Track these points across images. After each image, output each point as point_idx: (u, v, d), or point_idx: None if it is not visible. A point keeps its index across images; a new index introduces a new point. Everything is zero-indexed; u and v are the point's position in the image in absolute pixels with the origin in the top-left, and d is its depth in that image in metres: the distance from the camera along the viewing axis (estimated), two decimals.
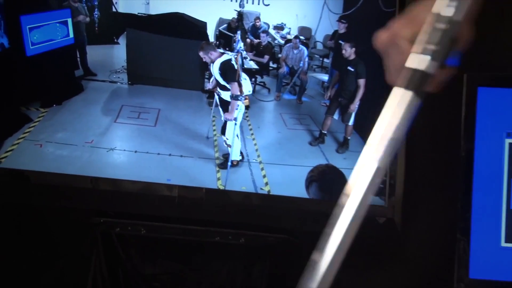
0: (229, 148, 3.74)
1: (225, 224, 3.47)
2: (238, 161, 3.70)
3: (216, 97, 3.80)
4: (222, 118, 3.76)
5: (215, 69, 3.73)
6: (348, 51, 3.62)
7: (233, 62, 3.73)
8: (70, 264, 3.53)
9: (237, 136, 3.74)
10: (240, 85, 3.73)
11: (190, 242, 3.46)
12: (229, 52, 3.75)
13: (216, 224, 3.47)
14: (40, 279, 3.54)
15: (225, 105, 3.77)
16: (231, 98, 3.72)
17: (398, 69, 0.96)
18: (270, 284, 3.51)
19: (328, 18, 3.77)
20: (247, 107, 3.85)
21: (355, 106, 3.61)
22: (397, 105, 0.90)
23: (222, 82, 3.72)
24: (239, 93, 3.72)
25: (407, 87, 0.89)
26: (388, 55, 1.03)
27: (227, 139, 3.75)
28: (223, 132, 3.76)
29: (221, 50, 3.74)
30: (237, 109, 3.73)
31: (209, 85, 3.76)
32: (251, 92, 3.76)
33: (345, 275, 3.31)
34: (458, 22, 0.90)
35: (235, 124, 3.73)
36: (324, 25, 3.85)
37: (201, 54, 3.72)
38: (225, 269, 3.45)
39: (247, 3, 3.78)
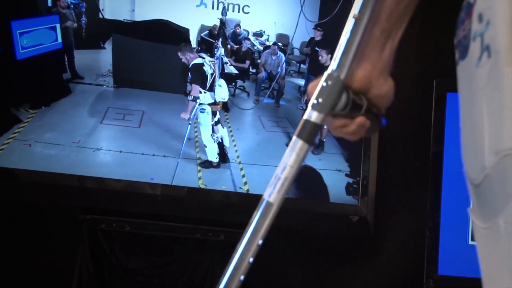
0: (205, 149, 3.76)
1: (205, 222, 3.54)
2: (217, 163, 3.73)
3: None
4: (212, 122, 3.77)
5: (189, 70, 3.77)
6: (325, 57, 3.66)
7: (205, 67, 3.75)
8: (57, 259, 3.58)
9: (214, 139, 3.76)
10: (211, 89, 3.76)
11: (172, 238, 3.52)
12: (206, 57, 3.78)
13: (197, 221, 3.54)
14: (28, 272, 3.57)
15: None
16: (189, 99, 3.75)
17: None
18: (248, 278, 3.53)
19: (305, 26, 3.78)
20: (226, 109, 3.88)
21: None
22: (290, 150, 1.00)
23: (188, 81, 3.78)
24: (197, 95, 3.74)
25: (298, 135, 0.99)
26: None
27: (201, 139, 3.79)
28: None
29: (202, 54, 3.76)
30: (201, 111, 3.76)
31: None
32: (225, 100, 3.78)
33: (319, 271, 3.37)
34: (340, 79, 1.00)
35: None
36: (301, 33, 3.86)
37: (179, 54, 3.74)
38: (205, 264, 3.50)
39: (228, 11, 3.80)
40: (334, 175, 3.76)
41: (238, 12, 3.85)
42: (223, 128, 3.80)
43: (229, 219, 3.54)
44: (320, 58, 3.69)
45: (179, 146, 3.74)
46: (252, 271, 3.34)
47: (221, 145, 3.77)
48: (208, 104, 3.77)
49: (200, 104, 3.77)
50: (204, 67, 3.75)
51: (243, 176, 3.73)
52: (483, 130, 0.91)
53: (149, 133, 3.79)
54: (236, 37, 3.90)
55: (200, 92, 3.75)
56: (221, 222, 3.54)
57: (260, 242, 1.01)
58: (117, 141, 3.75)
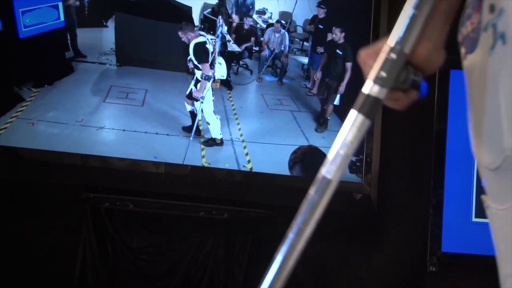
0: (208, 126, 3.75)
1: (209, 200, 3.55)
2: (220, 140, 3.72)
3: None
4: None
5: (190, 49, 3.74)
6: (338, 35, 3.65)
7: (208, 45, 3.75)
8: (61, 237, 3.60)
9: (215, 115, 3.77)
10: (212, 67, 3.75)
11: (176, 216, 3.54)
12: (207, 35, 3.78)
13: (201, 200, 3.55)
14: (32, 251, 3.58)
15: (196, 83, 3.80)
16: (201, 78, 3.73)
17: None
18: (251, 256, 3.55)
19: (308, 4, 3.81)
20: (229, 87, 3.88)
21: (343, 88, 3.66)
22: (350, 126, 0.96)
23: (195, 62, 3.74)
24: (210, 74, 3.74)
25: (359, 110, 0.96)
26: (364, 74, 1.09)
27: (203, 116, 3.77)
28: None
29: (202, 33, 3.76)
30: (205, 88, 3.74)
31: (190, 65, 3.77)
32: (224, 77, 3.77)
33: (322, 249, 3.34)
34: (404, 53, 0.97)
35: (201, 103, 3.73)
36: (304, 10, 3.87)
37: (180, 33, 3.73)
38: (209, 242, 3.50)
39: None
40: None
41: None
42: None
43: (233, 197, 3.56)
44: (334, 36, 3.67)
45: (182, 124, 3.76)
46: (254, 249, 3.26)
47: (192, 114, 3.79)
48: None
49: (198, 80, 3.77)
50: (206, 45, 3.75)
51: (247, 154, 3.73)
52: (499, 114, 0.92)
53: (152, 111, 3.79)
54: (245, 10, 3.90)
55: (200, 70, 3.76)
56: (225, 200, 3.55)
57: (319, 218, 0.99)
58: (120, 120, 3.75)
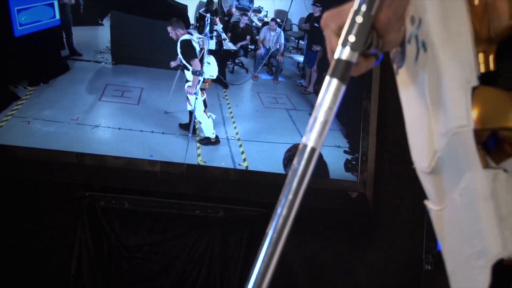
0: (200, 125, 3.77)
1: (204, 198, 3.55)
2: (216, 138, 3.74)
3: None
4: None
5: (178, 47, 3.76)
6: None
7: (194, 42, 3.74)
8: (57, 235, 3.60)
9: (206, 114, 3.77)
10: (201, 62, 3.75)
11: (171, 215, 3.55)
12: (194, 33, 3.77)
13: (196, 198, 3.56)
14: (28, 249, 3.58)
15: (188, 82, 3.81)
16: (192, 74, 3.73)
17: (329, 52, 1.03)
18: (247, 254, 3.58)
19: (304, 2, 3.80)
20: (225, 86, 3.88)
21: None
22: (325, 92, 0.93)
23: (184, 61, 3.76)
24: (200, 69, 3.73)
25: (332, 75, 0.94)
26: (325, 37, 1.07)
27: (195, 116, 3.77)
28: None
29: (190, 31, 3.76)
30: (198, 83, 3.74)
31: (173, 63, 3.78)
32: (214, 77, 3.78)
33: (318, 247, 3.34)
34: (371, 15, 0.96)
35: (196, 98, 3.73)
36: (300, 9, 3.87)
37: (169, 29, 3.74)
38: (205, 240, 3.52)
39: None
40: (333, 152, 3.79)
41: None
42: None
43: (228, 196, 3.56)
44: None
45: (178, 123, 3.77)
46: (250, 246, 3.25)
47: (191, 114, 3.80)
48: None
49: (188, 81, 3.78)
50: (192, 42, 3.76)
51: (242, 152, 3.75)
52: (428, 119, 0.97)
53: (147, 110, 3.81)
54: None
55: (189, 70, 3.76)
56: (220, 198, 3.56)
57: (302, 193, 0.94)
58: (116, 118, 3.76)
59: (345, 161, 3.77)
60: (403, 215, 3.71)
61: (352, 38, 0.94)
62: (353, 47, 0.93)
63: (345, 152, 3.79)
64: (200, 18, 3.84)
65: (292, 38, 4.00)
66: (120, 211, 3.57)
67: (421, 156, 1.03)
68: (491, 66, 0.96)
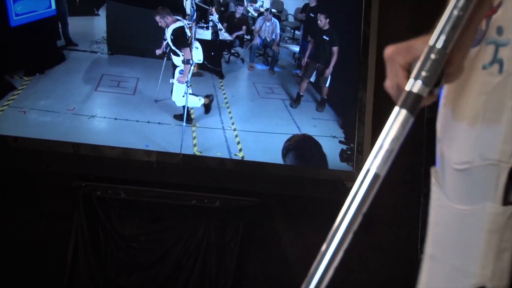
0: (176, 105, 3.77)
1: (201, 188, 3.58)
2: (209, 100, 3.76)
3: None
4: (171, 81, 3.78)
5: (168, 34, 3.75)
6: (323, 22, 3.69)
7: (186, 29, 3.74)
8: (53, 225, 3.62)
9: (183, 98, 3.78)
10: (191, 51, 3.76)
11: (167, 205, 3.57)
12: (183, 20, 3.78)
13: (192, 188, 3.58)
14: (25, 238, 3.60)
15: (174, 69, 3.81)
16: (183, 63, 3.74)
17: (391, 83, 1.08)
18: (243, 244, 3.61)
19: None
20: (221, 76, 3.90)
21: (330, 70, 3.71)
22: (394, 121, 0.97)
23: (173, 47, 3.75)
24: (190, 58, 3.74)
25: (402, 106, 0.96)
26: (388, 69, 1.11)
27: (175, 101, 3.79)
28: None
29: (179, 17, 3.76)
30: (180, 72, 3.75)
31: (158, 51, 3.80)
32: (201, 61, 3.79)
33: (313, 236, 3.29)
34: (446, 53, 0.98)
35: (188, 86, 3.75)
36: None
37: (157, 18, 3.73)
38: (201, 230, 3.54)
39: None
40: (329, 142, 3.81)
41: None
42: (189, 88, 3.82)
43: (224, 186, 3.58)
44: (319, 22, 3.73)
45: (173, 113, 3.77)
46: (246, 236, 3.25)
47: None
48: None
49: (178, 66, 3.79)
50: (185, 30, 3.77)
51: (238, 143, 3.75)
52: (475, 129, 1.02)
53: (143, 100, 3.81)
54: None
55: (178, 55, 3.77)
56: (216, 188, 3.57)
57: (365, 211, 1.00)
58: (112, 108, 3.77)
59: (340, 151, 3.78)
60: (398, 204, 3.71)
61: (425, 73, 0.97)
62: (426, 82, 0.96)
63: (340, 142, 3.80)
64: (197, 9, 3.85)
65: (288, 28, 4.03)
66: (116, 201, 3.59)
67: (453, 148, 1.08)
68: None
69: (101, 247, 3.61)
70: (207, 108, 3.76)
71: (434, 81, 0.99)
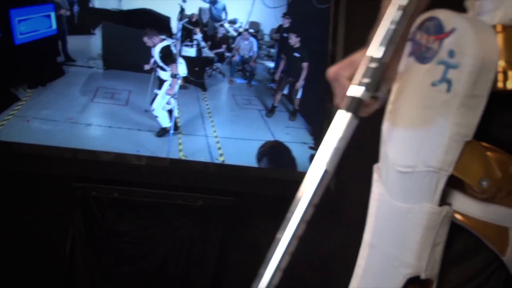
0: (157, 119, 3.82)
1: (185, 189, 3.66)
2: (173, 128, 3.80)
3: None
4: (155, 91, 3.81)
5: (156, 52, 3.77)
6: (294, 40, 3.79)
7: (172, 47, 3.79)
8: (53, 222, 3.67)
9: (165, 109, 3.82)
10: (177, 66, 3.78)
11: (156, 204, 3.64)
12: (168, 39, 3.80)
13: (178, 189, 3.66)
14: (28, 234, 3.66)
15: (161, 83, 3.82)
16: (171, 77, 3.78)
17: (341, 98, 1.15)
18: (223, 239, 3.67)
19: (274, 15, 3.87)
20: (204, 89, 3.95)
21: (301, 83, 3.78)
22: (339, 123, 1.04)
23: (161, 64, 3.77)
24: (177, 72, 3.79)
25: (347, 110, 1.04)
26: (334, 86, 1.20)
27: (153, 109, 3.81)
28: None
29: (163, 37, 3.80)
30: (176, 85, 3.80)
31: (147, 66, 3.81)
32: (185, 75, 3.83)
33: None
34: (385, 62, 1.05)
35: (175, 99, 3.80)
36: (271, 20, 3.94)
37: (145, 39, 3.79)
38: (186, 226, 3.60)
39: None
40: (300, 147, 3.84)
41: (214, 3, 3.93)
42: (174, 99, 3.86)
43: (207, 187, 3.64)
44: (290, 40, 3.80)
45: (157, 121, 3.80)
46: (226, 232, 3.32)
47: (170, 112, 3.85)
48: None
49: (166, 80, 3.84)
50: (171, 48, 3.81)
51: (219, 148, 3.79)
52: (419, 137, 1.06)
53: (135, 110, 3.81)
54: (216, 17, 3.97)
55: (165, 70, 3.81)
56: (200, 189, 3.64)
57: (316, 203, 1.07)
58: (106, 117, 3.83)
59: (310, 156, 3.83)
60: (362, 203, 3.66)
61: (366, 80, 1.04)
62: (367, 87, 1.04)
63: (310, 147, 3.85)
64: (183, 29, 3.88)
65: (264, 46, 4.05)
66: (110, 200, 3.63)
67: (397, 151, 1.12)
68: (510, 85, 1.02)
69: (96, 241, 3.61)
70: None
71: (375, 87, 1.04)
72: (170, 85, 3.83)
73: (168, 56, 3.81)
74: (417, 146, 1.06)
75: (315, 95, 3.77)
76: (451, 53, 1.03)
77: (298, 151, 3.84)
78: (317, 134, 3.87)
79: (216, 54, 4.01)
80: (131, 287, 3.67)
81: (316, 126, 3.89)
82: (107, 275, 3.66)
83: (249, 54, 4.02)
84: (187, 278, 3.59)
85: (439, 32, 1.06)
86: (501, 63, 1.01)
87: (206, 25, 3.98)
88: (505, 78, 1.01)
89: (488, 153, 1.04)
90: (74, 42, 3.94)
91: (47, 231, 3.69)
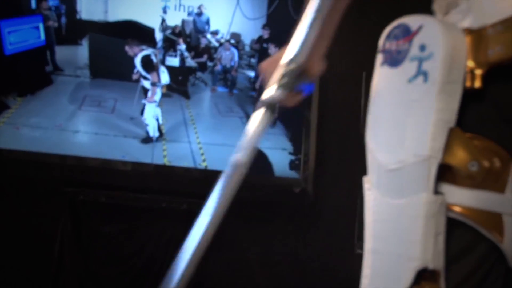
0: (147, 127, 3.87)
1: (170, 193, 3.74)
2: (157, 137, 3.86)
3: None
4: (143, 101, 3.87)
5: (137, 61, 3.87)
6: (273, 50, 3.88)
7: (153, 56, 3.86)
8: (43, 225, 3.72)
9: (154, 117, 3.87)
10: (158, 75, 3.86)
11: (142, 207, 3.70)
12: (149, 48, 3.87)
13: (163, 193, 3.74)
14: (19, 236, 3.71)
15: (146, 92, 3.88)
16: (151, 85, 3.84)
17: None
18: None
19: (254, 26, 4.00)
20: (187, 97, 4.02)
21: None
22: (256, 118, 1.11)
23: (143, 73, 3.84)
24: (157, 81, 3.86)
25: (263, 106, 1.11)
26: (264, 80, 1.23)
27: (145, 119, 3.88)
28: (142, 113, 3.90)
29: (144, 47, 3.88)
30: (156, 93, 3.86)
31: (134, 76, 3.86)
32: (168, 83, 3.88)
33: (267, 236, 3.80)
34: (299, 64, 1.11)
35: (157, 106, 3.86)
36: (251, 32, 4.05)
37: (126, 48, 3.84)
38: (170, 229, 3.66)
39: (169, 9, 3.94)
40: (279, 153, 3.94)
41: (199, 16, 4.01)
42: (157, 107, 3.95)
43: (190, 191, 3.61)
44: (269, 50, 3.91)
45: (146, 129, 3.89)
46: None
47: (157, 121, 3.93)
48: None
49: (148, 89, 3.95)
50: (151, 57, 3.88)
51: (202, 154, 3.88)
52: (404, 132, 1.07)
53: (121, 117, 3.92)
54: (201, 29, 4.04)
55: (148, 79, 3.87)
56: (184, 193, 3.69)
57: (231, 197, 1.12)
58: (93, 125, 3.88)
59: (290, 161, 3.94)
60: (339, 206, 3.85)
61: (283, 80, 1.11)
62: (285, 87, 1.11)
63: (289, 153, 3.95)
64: (166, 40, 3.96)
65: (244, 56, 4.09)
66: (97, 204, 3.68)
67: (384, 152, 1.12)
68: (477, 84, 1.05)
69: (84, 243, 3.69)
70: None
71: (291, 86, 1.10)
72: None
73: (148, 65, 3.88)
74: (403, 140, 1.08)
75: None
76: (422, 47, 1.07)
77: (278, 157, 3.93)
78: (296, 141, 3.97)
79: (198, 63, 4.07)
80: (117, 286, 3.70)
81: (294, 132, 3.99)
82: (94, 275, 3.70)
83: (230, 64, 4.09)
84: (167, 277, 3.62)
85: (407, 34, 1.10)
86: (470, 64, 1.05)
87: (189, 36, 4.03)
88: (473, 77, 1.05)
89: (473, 140, 1.06)
90: (62, 52, 3.98)
91: (36, 233, 3.72)
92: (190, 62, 4.05)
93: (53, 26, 3.93)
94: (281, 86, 1.10)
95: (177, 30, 4.00)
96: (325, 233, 3.93)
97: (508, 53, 1.01)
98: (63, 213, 3.69)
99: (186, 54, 4.02)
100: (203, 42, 4.08)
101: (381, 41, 1.17)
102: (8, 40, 3.73)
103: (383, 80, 1.16)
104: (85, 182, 3.77)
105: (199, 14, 4.02)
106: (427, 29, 1.07)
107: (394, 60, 1.12)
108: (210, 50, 4.10)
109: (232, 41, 4.09)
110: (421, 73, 1.05)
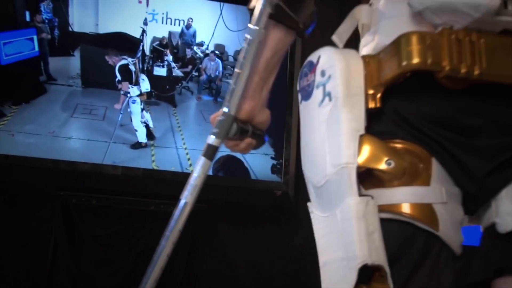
0: (136, 133, 3.93)
1: (158, 196, 3.79)
2: (145, 143, 3.92)
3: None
4: (128, 110, 3.95)
5: (116, 71, 3.95)
6: None
7: (130, 66, 3.92)
8: (37, 227, 3.75)
9: (142, 123, 3.94)
10: (137, 83, 3.93)
11: (131, 210, 3.77)
12: (128, 58, 3.92)
13: (151, 196, 3.80)
14: (13, 238, 3.74)
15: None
16: (122, 94, 3.96)
17: None
18: (192, 242, 3.81)
19: (237, 37, 4.08)
20: (174, 105, 4.09)
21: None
22: (198, 165, 1.19)
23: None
24: (127, 90, 3.95)
25: (204, 155, 1.18)
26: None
27: (134, 125, 3.94)
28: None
29: (124, 56, 3.95)
30: (133, 102, 3.92)
31: (119, 85, 3.92)
32: (148, 90, 3.93)
33: (250, 234, 3.92)
34: (231, 115, 1.17)
35: (121, 114, 3.89)
36: (235, 43, 4.14)
37: (106, 57, 3.92)
38: (158, 230, 3.34)
39: (157, 22, 4.04)
40: (261, 158, 4.02)
41: (188, 28, 4.09)
42: (147, 113, 4.03)
43: (177, 194, 3.47)
44: None
45: (135, 136, 3.95)
46: (195, 235, 3.61)
47: (147, 126, 4.00)
48: (137, 96, 4.02)
49: (131, 97, 4.01)
50: (129, 66, 3.93)
51: (189, 159, 3.96)
52: (324, 150, 1.12)
53: (111, 124, 3.96)
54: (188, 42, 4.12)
55: (129, 87, 3.98)
56: (171, 196, 3.27)
57: (180, 229, 1.23)
58: (85, 131, 3.92)
59: (271, 166, 4.04)
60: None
61: (216, 130, 1.18)
62: (218, 136, 1.18)
63: (271, 158, 4.04)
64: (153, 51, 4.03)
65: (228, 66, 4.16)
66: (89, 207, 3.72)
67: (313, 173, 1.16)
68: (378, 104, 1.11)
69: (76, 244, 3.72)
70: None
71: (224, 135, 1.16)
72: (134, 101, 3.99)
73: (124, 74, 3.96)
74: (324, 157, 1.12)
75: (276, 109, 3.75)
76: (323, 73, 1.13)
77: (260, 161, 4.01)
78: (277, 146, 4.05)
79: (183, 73, 4.13)
80: (109, 286, 3.74)
81: (276, 138, 4.07)
82: (86, 275, 3.74)
83: (215, 74, 4.17)
84: (160, 278, 3.69)
85: (312, 67, 1.17)
86: (370, 91, 1.13)
87: (176, 47, 4.11)
88: (374, 99, 1.12)
89: (389, 143, 1.13)
90: (55, 63, 4.03)
91: (30, 236, 3.74)
92: (177, 72, 4.12)
93: (46, 38, 3.99)
94: (213, 135, 1.18)
95: (164, 42, 4.09)
96: (306, 234, 3.84)
97: (394, 72, 1.08)
98: (56, 216, 3.71)
99: (173, 64, 4.10)
100: (189, 53, 4.15)
101: (297, 83, 1.25)
102: (3, 51, 3.79)
103: (303, 114, 1.22)
104: (77, 186, 3.79)
105: (188, 26, 4.10)
106: (324, 57, 1.14)
107: (307, 94, 1.18)
108: (195, 61, 4.16)
109: (217, 52, 4.17)
110: (326, 95, 1.12)
